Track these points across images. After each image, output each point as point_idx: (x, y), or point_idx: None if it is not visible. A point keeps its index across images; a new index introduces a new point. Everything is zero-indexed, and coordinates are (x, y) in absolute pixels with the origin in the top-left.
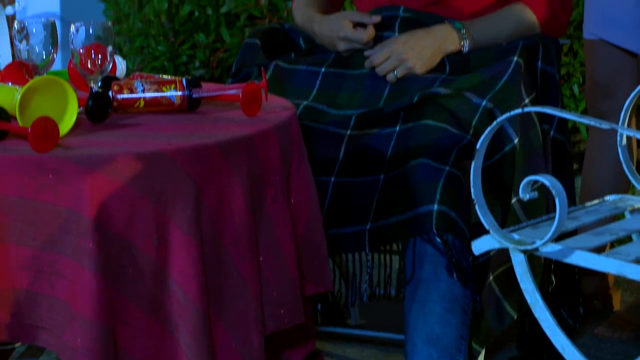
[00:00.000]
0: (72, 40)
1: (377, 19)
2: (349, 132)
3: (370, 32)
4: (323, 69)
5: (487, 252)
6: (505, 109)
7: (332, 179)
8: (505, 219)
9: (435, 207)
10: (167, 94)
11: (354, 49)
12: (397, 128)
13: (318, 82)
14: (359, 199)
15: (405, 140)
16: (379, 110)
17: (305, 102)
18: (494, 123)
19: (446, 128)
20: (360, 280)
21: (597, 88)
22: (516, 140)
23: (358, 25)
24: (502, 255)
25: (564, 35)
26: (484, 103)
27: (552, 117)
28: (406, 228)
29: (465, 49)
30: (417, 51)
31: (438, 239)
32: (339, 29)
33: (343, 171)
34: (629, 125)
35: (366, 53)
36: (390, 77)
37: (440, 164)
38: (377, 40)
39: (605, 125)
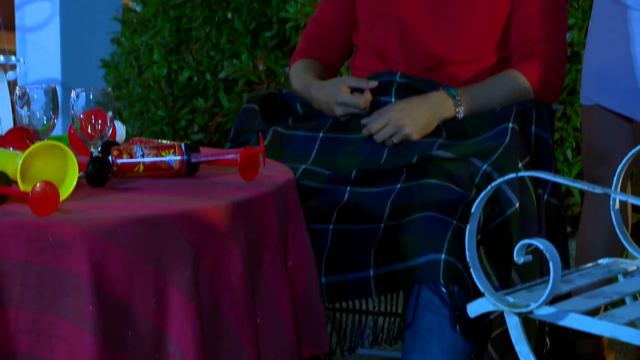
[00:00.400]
0: (72, 105)
1: (373, 84)
2: (349, 188)
3: (367, 97)
4: (321, 134)
5: (488, 314)
6: (504, 174)
7: (331, 226)
8: (508, 281)
9: (443, 256)
10: (166, 158)
11: (351, 113)
12: (399, 185)
13: (316, 146)
14: (359, 245)
15: (408, 196)
16: (379, 167)
17: (304, 166)
18: (489, 187)
19: (449, 186)
20: (364, 326)
21: (593, 154)
22: (517, 204)
23: (355, 90)
24: (501, 318)
25: (557, 101)
26: (484, 167)
27: (546, 181)
28: (412, 275)
29: (461, 115)
30: (413, 118)
31: (444, 289)
32: (337, 94)
33: (342, 219)
34: (623, 190)
35: (363, 121)
36: (388, 142)
37: (447, 217)
38: (374, 105)
39: (598, 190)
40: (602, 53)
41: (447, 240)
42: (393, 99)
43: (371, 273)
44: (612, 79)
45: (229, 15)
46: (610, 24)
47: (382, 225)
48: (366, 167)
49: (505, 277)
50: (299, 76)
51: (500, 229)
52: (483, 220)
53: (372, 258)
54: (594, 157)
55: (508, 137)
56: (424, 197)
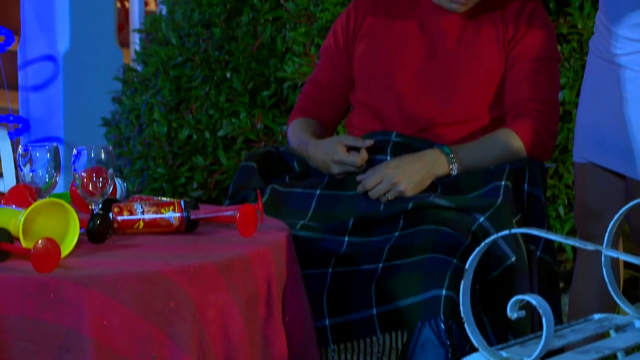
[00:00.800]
0: (74, 163)
1: (369, 142)
2: (347, 238)
3: (363, 155)
4: (318, 192)
5: None
6: (499, 230)
7: (330, 269)
8: (505, 333)
9: (444, 292)
10: (166, 215)
11: (347, 171)
12: (396, 233)
13: (314, 203)
14: (358, 285)
15: (407, 241)
16: (376, 214)
17: (302, 221)
18: (483, 244)
19: (447, 230)
20: None
21: (586, 211)
22: (513, 258)
23: (351, 149)
24: None
25: (549, 159)
26: (481, 220)
27: (538, 237)
28: (414, 312)
29: (454, 172)
30: (407, 175)
31: (443, 326)
32: (333, 153)
33: (340, 264)
34: (615, 246)
35: (358, 178)
36: (382, 199)
37: (447, 256)
38: (370, 163)
39: (590, 246)
40: (596, 111)
41: (448, 277)
42: (389, 157)
43: (374, 311)
44: (606, 137)
45: (228, 75)
46: (603, 83)
47: (381, 265)
48: (363, 214)
49: (502, 330)
50: (297, 134)
51: (497, 281)
52: (480, 269)
53: (373, 296)
54: (587, 214)
55: (501, 195)
56: (423, 239)
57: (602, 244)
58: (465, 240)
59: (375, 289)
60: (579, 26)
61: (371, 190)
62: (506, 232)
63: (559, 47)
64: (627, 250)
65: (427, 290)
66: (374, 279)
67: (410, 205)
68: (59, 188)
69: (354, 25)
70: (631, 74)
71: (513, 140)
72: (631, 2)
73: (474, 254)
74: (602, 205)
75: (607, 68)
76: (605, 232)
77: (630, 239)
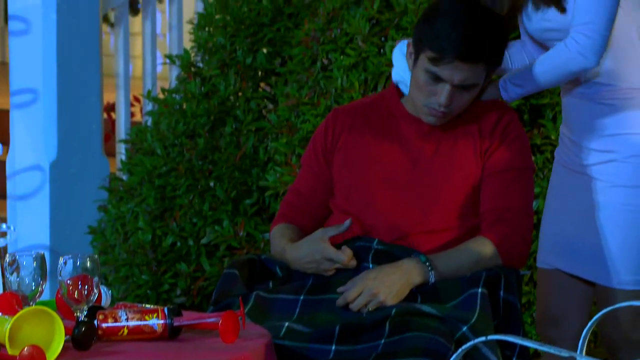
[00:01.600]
0: (60, 271)
1: (348, 222)
2: (333, 346)
3: (348, 252)
4: (302, 297)
5: None
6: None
7: None
8: None
9: None
10: (150, 322)
11: (334, 268)
12: (382, 341)
13: (298, 308)
14: None
15: (394, 347)
16: (360, 321)
17: (287, 323)
18: (460, 350)
19: (434, 337)
20: None
21: (549, 316)
22: None
23: (337, 245)
24: None
25: (524, 266)
26: (464, 329)
27: (514, 344)
28: None
29: (432, 280)
30: (386, 285)
31: None
32: (322, 250)
33: None
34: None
35: (339, 290)
36: (363, 311)
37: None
38: (353, 270)
39: (564, 353)
40: (564, 219)
41: None
42: (370, 265)
43: None
44: (575, 244)
45: (212, 184)
46: (571, 192)
47: None
48: (348, 321)
49: None
50: (276, 241)
51: None
52: None
53: None
54: (548, 320)
55: (479, 304)
56: (409, 345)
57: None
58: (451, 347)
59: None
60: (552, 137)
61: (352, 302)
62: (482, 338)
63: (533, 157)
64: (596, 355)
65: None
66: None
67: (393, 311)
68: (45, 295)
69: (332, 137)
70: (601, 184)
71: (488, 248)
72: (593, 115)
73: (452, 358)
74: (565, 311)
75: (574, 178)
76: (565, 337)
77: (598, 345)
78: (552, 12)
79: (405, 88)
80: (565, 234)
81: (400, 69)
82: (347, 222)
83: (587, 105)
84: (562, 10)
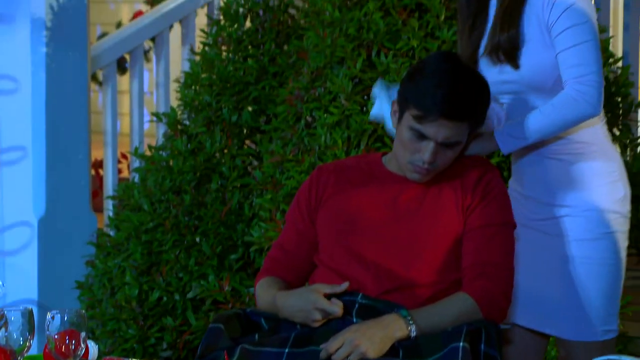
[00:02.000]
0: (48, 326)
1: (346, 285)
2: None
3: (341, 305)
4: (287, 350)
5: None
6: None
7: None
8: None
9: None
10: None
11: (326, 318)
12: None
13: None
14: None
15: None
16: None
17: None
18: None
19: None
20: None
21: None
22: None
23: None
24: None
25: (504, 321)
26: None
27: None
28: None
29: (413, 333)
30: (368, 337)
31: None
32: (315, 301)
33: None
34: None
35: (321, 345)
36: None
37: None
38: (336, 324)
39: None
40: (521, 274)
41: None
42: (355, 319)
43: None
44: (535, 299)
45: (197, 239)
46: (532, 249)
47: None
48: None
49: None
50: (264, 291)
51: None
52: None
53: None
54: None
55: (461, 357)
56: None
57: None
58: None
59: None
60: None
61: (333, 353)
62: None
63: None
64: None
65: None
66: None
67: None
68: (33, 350)
69: (316, 194)
70: (558, 240)
71: (469, 303)
72: (545, 170)
73: None
74: None
75: (529, 234)
76: None
77: None
78: (507, 67)
79: (384, 122)
80: (523, 289)
81: (379, 104)
82: (344, 285)
83: (540, 160)
84: (516, 67)
